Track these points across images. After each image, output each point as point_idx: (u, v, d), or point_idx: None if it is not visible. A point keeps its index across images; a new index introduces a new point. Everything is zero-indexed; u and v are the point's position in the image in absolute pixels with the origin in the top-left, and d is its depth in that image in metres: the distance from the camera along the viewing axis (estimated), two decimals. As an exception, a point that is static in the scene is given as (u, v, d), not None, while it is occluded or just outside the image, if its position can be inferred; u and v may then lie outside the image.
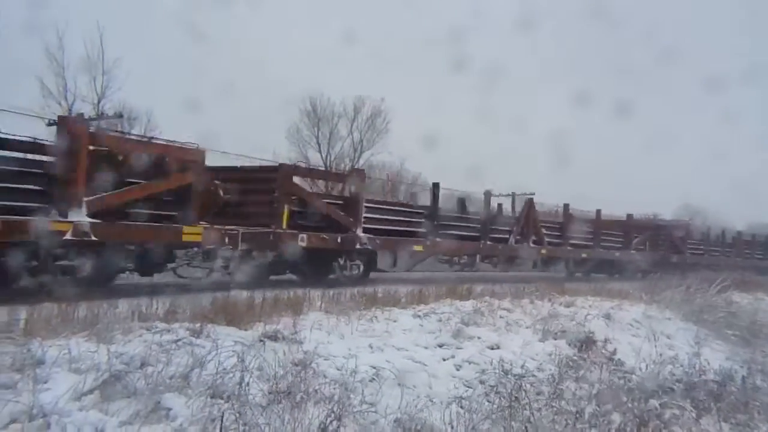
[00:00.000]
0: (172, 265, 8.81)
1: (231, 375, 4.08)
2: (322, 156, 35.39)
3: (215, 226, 8.56)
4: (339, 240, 10.46)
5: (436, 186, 13.68)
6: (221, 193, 9.06)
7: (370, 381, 4.76)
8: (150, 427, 3.39)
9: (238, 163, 11.26)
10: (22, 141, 7.14)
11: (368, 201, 11.87)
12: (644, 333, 8.27)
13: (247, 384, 4.03)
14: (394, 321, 6.57)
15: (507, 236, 15.06)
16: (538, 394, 5.09)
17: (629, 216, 20.42)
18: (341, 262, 10.94)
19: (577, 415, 4.56)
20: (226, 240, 8.61)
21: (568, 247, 16.96)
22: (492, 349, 6.23)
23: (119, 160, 7.66)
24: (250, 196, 9.76)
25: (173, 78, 38.66)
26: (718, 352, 8.39)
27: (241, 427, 3.46)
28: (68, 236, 6.78)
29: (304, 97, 35.18)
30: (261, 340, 5.03)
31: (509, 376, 5.29)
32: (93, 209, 7.10)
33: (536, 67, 64.01)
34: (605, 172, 51.27)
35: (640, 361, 6.66)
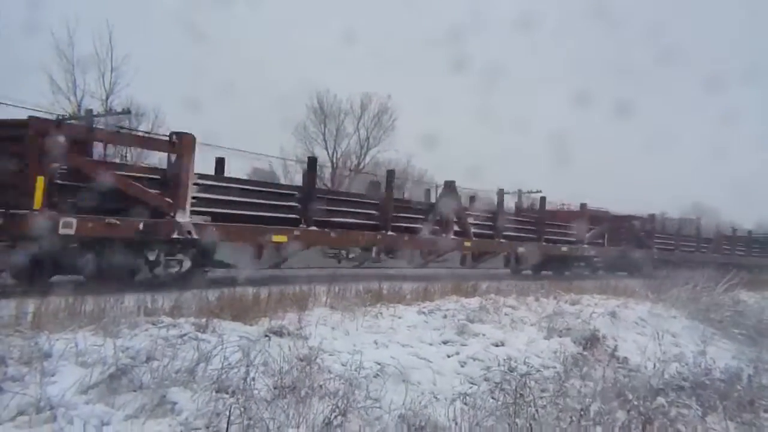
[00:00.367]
0: None
1: (236, 370, 4.10)
2: (328, 153, 35.48)
3: None
4: (141, 227, 7.70)
5: (312, 162, 11.34)
6: None
7: (375, 377, 4.77)
8: (155, 421, 3.41)
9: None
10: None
11: (203, 176, 9.02)
12: (650, 331, 8.24)
13: (253, 379, 4.05)
14: (399, 317, 6.58)
15: (420, 226, 12.35)
16: (542, 391, 5.08)
17: (583, 206, 18.21)
18: (153, 257, 8.15)
19: (582, 413, 4.55)
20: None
21: (501, 240, 14.34)
22: (497, 346, 6.22)
23: None
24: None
25: (175, 76, 38.96)
26: (724, 351, 8.34)
27: (246, 421, 3.47)
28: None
29: (311, 94, 35.26)
30: (266, 336, 5.06)
31: (514, 373, 5.29)
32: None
33: (536, 67, 63.86)
34: (605, 171, 51.32)
35: (645, 359, 6.65)
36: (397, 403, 4.34)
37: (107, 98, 24.30)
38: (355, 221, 11.21)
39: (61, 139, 7.07)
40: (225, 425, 3.45)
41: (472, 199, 16.57)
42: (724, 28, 71.93)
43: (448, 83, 61.50)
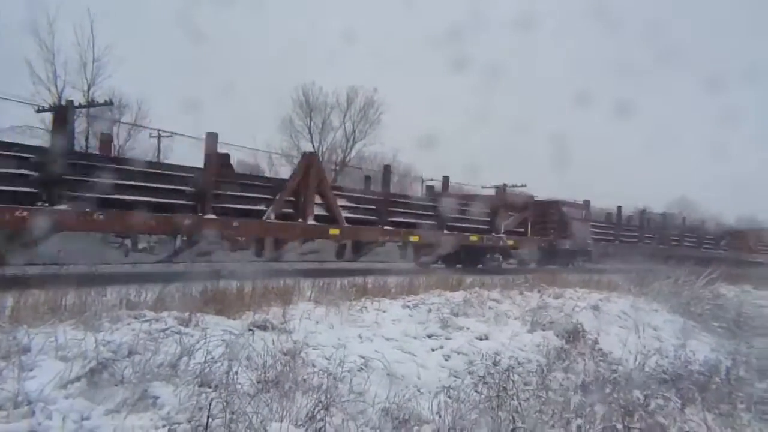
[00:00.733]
0: None
1: (219, 364, 4.08)
2: (314, 146, 35.30)
3: None
4: None
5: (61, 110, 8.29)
6: None
7: (359, 371, 4.78)
8: (137, 416, 3.38)
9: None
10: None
11: None
12: (632, 324, 8.36)
13: (236, 373, 4.03)
14: (384, 311, 6.58)
15: (264, 208, 9.60)
16: (525, 384, 5.13)
17: (500, 190, 16.45)
18: None
19: (564, 406, 4.61)
20: None
21: (387, 228, 11.61)
22: (481, 339, 6.27)
23: None
24: None
25: (171, 71, 38.56)
26: (704, 344, 8.50)
27: (228, 415, 3.46)
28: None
29: (297, 87, 35.07)
30: (250, 330, 5.03)
31: (497, 366, 5.33)
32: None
33: (536, 67, 64.04)
34: (605, 171, 51.55)
35: (627, 353, 6.74)
36: (381, 396, 4.36)
37: (89, 89, 23.96)
38: (157, 200, 8.28)
39: None
40: (207, 419, 3.44)
41: (368, 180, 14.76)
42: (724, 28, 72.58)
43: (445, 81, 61.67)
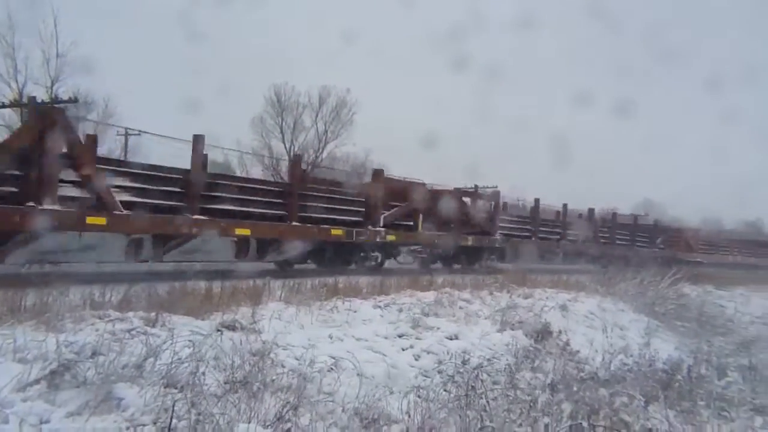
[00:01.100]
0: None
1: (186, 365, 4.01)
2: (285, 146, 35.09)
3: None
4: None
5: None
6: None
7: (329, 371, 4.76)
8: (100, 418, 3.30)
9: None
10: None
11: None
12: (599, 324, 8.52)
13: (203, 374, 3.97)
14: (355, 311, 6.58)
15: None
16: (494, 383, 5.18)
17: (377, 173, 12.95)
18: None
19: (531, 404, 4.67)
20: None
21: (198, 216, 8.69)
22: (451, 339, 6.31)
23: None
24: None
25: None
26: (667, 343, 8.71)
27: (194, 416, 3.40)
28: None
29: (269, 85, 34.79)
30: (218, 330, 4.97)
31: (467, 366, 5.37)
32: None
33: (536, 67, 64.58)
34: (605, 171, 52.15)
35: (593, 352, 6.87)
36: (351, 396, 4.35)
37: (52, 85, 23.34)
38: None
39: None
40: (173, 421, 3.38)
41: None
42: (724, 28, 73.91)
43: (446, 81, 61.68)
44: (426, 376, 5.26)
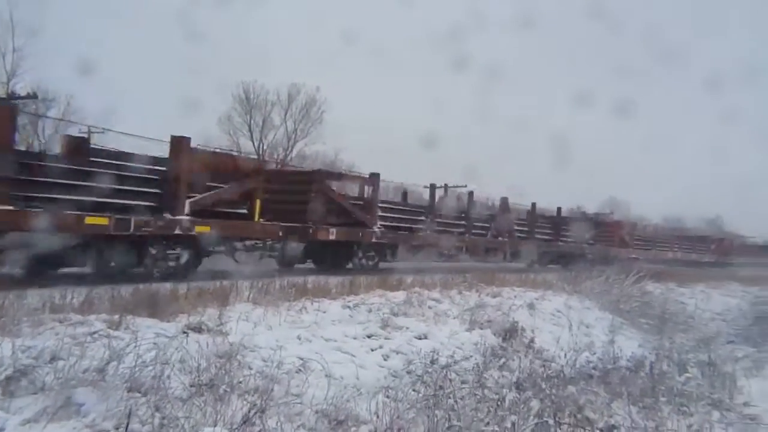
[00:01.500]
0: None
1: (150, 368, 3.93)
2: (254, 144, 34.66)
3: None
4: None
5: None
6: None
7: (297, 372, 4.72)
8: (58, 424, 3.21)
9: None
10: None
11: None
12: (565, 322, 8.66)
13: (168, 377, 3.90)
14: (324, 312, 6.55)
15: None
16: (462, 383, 5.21)
17: (183, 144, 8.53)
18: None
19: (499, 403, 4.71)
20: None
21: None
22: (420, 339, 6.33)
23: None
24: None
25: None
26: (631, 340, 8.91)
27: (158, 420, 3.34)
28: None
29: (237, 83, 34.28)
30: (184, 332, 4.89)
31: (435, 365, 5.40)
32: None
33: (535, 67, 64.91)
34: (604, 171, 52.51)
35: (559, 350, 6.97)
36: (319, 397, 4.32)
37: (9, 81, 22.56)
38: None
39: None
40: (137, 426, 3.31)
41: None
42: (724, 28, 75.00)
43: (446, 81, 61.43)
44: (395, 376, 5.26)
